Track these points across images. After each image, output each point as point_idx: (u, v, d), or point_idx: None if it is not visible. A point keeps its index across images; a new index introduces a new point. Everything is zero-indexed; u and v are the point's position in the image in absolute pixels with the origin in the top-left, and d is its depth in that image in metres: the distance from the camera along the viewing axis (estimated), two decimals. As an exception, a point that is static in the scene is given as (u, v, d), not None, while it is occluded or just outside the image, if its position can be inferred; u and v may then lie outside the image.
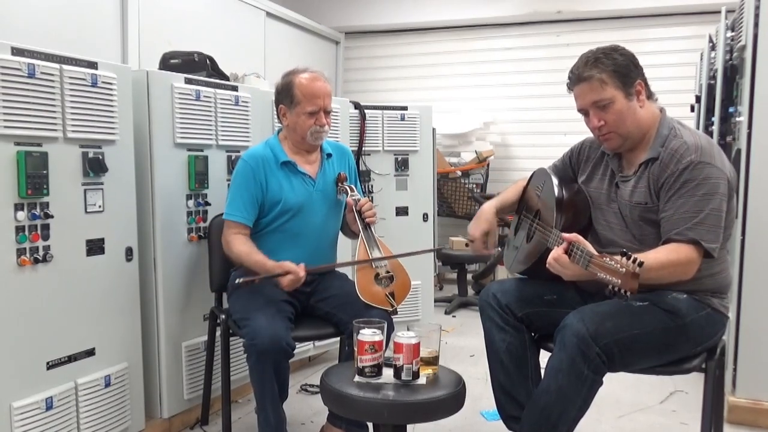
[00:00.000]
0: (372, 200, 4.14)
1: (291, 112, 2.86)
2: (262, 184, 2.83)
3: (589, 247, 2.06)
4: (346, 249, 3.46)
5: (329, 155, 3.01)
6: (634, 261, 1.89)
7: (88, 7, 4.09)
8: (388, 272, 2.80)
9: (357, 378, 2.24)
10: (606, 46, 2.35)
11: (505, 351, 2.52)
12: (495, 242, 2.71)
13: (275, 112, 2.96)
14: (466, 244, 5.91)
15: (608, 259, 1.96)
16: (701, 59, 4.85)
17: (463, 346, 4.54)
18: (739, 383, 3.22)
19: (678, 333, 2.26)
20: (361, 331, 2.22)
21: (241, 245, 2.79)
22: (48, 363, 2.52)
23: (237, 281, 2.67)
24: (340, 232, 3.12)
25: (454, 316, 5.53)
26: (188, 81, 3.08)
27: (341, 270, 3.09)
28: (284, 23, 6.16)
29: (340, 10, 7.02)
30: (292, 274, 2.65)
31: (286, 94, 2.86)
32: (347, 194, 2.92)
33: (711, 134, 3.88)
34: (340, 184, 2.96)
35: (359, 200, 2.90)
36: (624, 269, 1.90)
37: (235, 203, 2.83)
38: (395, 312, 2.75)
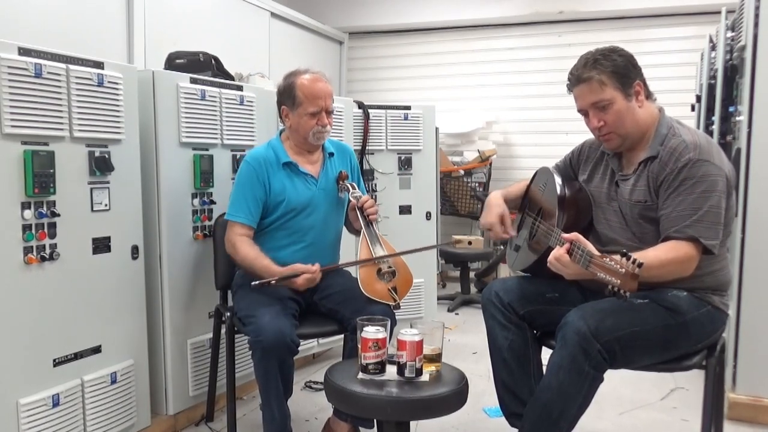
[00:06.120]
0: (375, 199, 4.19)
1: (293, 113, 2.88)
2: (266, 185, 2.86)
3: (590, 247, 2.08)
4: (350, 247, 3.49)
5: (331, 154, 3.04)
6: (634, 262, 1.91)
7: (94, 8, 4.11)
8: (390, 267, 2.83)
9: (361, 375, 2.26)
10: (604, 47, 2.37)
11: (508, 348, 2.54)
12: (511, 224, 2.71)
13: (278, 113, 2.99)
14: (469, 242, 5.93)
15: (608, 259, 1.98)
16: (702, 59, 4.86)
17: (465, 344, 4.56)
18: (740, 380, 3.24)
19: (678, 330, 2.27)
20: (364, 329, 2.24)
21: (248, 248, 2.80)
22: (54, 360, 2.55)
23: (253, 284, 2.69)
24: (345, 229, 3.14)
25: (456, 314, 5.55)
26: (193, 81, 3.11)
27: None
28: (288, 23, 6.18)
29: (343, 11, 7.03)
30: (307, 273, 2.67)
31: (288, 96, 2.89)
32: (348, 192, 2.95)
33: (711, 133, 3.90)
34: (341, 182, 2.99)
35: (360, 197, 2.93)
36: (624, 270, 1.92)
37: (238, 204, 2.86)
38: (398, 307, 2.78)
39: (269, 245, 2.88)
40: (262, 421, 2.69)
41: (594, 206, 2.54)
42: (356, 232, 3.03)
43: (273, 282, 2.69)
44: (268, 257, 2.78)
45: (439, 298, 5.13)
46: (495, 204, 2.70)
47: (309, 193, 2.93)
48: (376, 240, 2.87)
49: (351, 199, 2.93)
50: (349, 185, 2.97)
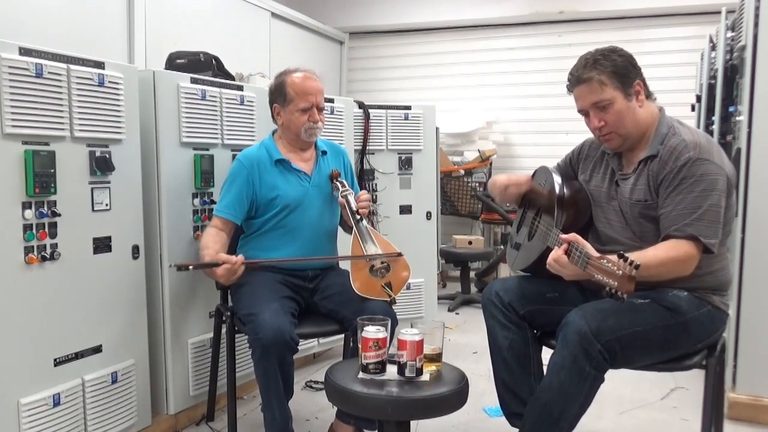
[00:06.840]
0: (376, 199, 4.19)
1: (285, 110, 2.92)
2: (255, 185, 2.88)
3: (588, 248, 2.08)
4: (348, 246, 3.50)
5: (324, 152, 3.06)
6: (631, 263, 1.91)
7: (94, 8, 4.11)
8: (383, 263, 2.83)
9: (361, 374, 2.25)
10: (604, 48, 2.38)
11: (508, 348, 2.54)
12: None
13: (270, 112, 3.00)
14: (469, 242, 5.94)
15: (605, 261, 1.98)
16: (702, 59, 4.87)
17: (466, 343, 4.56)
18: (740, 380, 3.24)
19: (679, 330, 2.27)
20: (365, 329, 2.24)
21: (206, 237, 2.84)
22: (55, 360, 2.55)
23: (170, 265, 2.74)
24: (340, 228, 3.15)
25: (457, 314, 5.55)
26: (194, 81, 3.11)
27: (343, 266, 3.11)
28: (289, 23, 6.18)
29: (344, 11, 7.04)
30: (228, 263, 2.65)
31: (279, 94, 2.92)
32: (339, 190, 2.96)
33: (711, 133, 3.90)
34: (334, 181, 3.00)
35: (350, 193, 2.94)
36: (620, 272, 1.92)
37: (223, 199, 2.91)
38: (394, 302, 2.78)
39: (266, 245, 2.90)
40: (263, 423, 2.69)
41: (594, 205, 2.55)
42: (351, 230, 3.03)
43: (191, 267, 2.75)
44: (214, 249, 2.78)
45: (439, 298, 5.13)
46: (499, 177, 2.75)
47: (302, 189, 2.94)
48: (368, 236, 2.87)
49: (341, 199, 2.94)
50: (339, 183, 2.99)
